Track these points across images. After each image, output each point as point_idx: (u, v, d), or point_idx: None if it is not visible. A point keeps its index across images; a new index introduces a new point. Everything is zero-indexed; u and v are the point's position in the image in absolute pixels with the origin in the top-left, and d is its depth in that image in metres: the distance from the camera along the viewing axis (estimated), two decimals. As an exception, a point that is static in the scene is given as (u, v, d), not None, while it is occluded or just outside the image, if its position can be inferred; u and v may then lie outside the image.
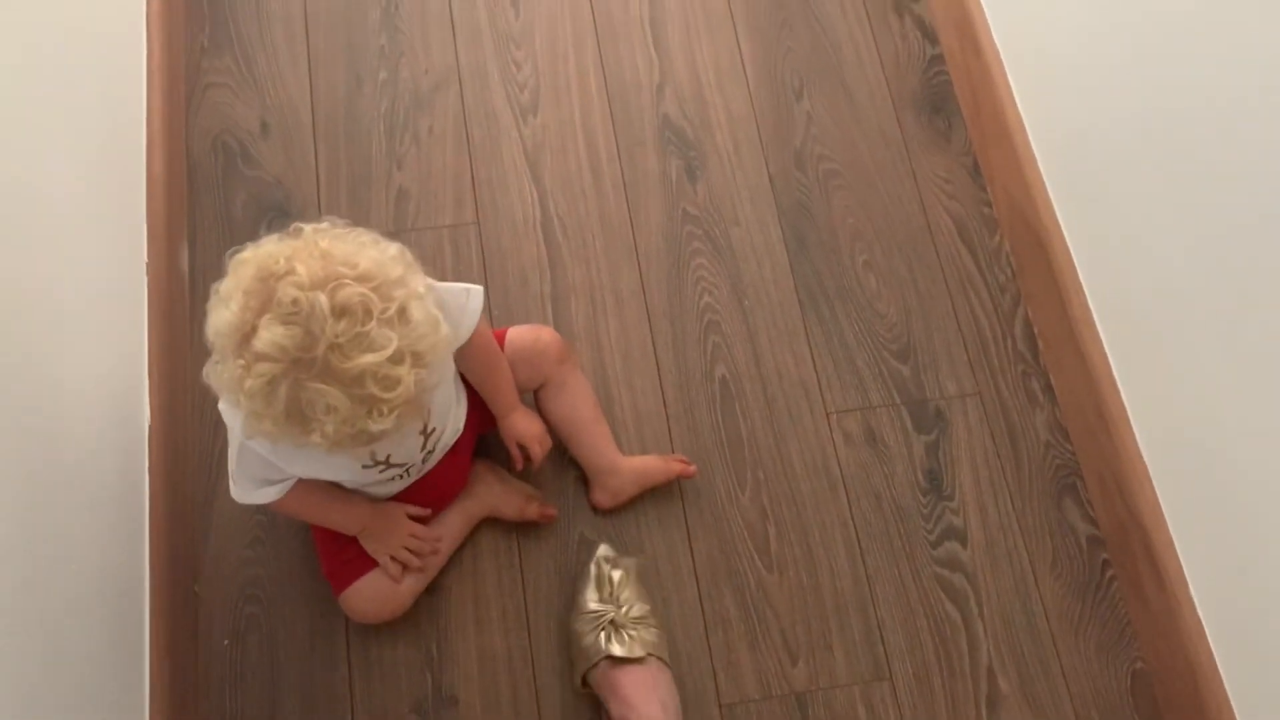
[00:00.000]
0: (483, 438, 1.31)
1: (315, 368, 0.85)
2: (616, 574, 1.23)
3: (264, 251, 0.89)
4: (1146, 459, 1.29)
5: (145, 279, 1.28)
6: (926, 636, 1.29)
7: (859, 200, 1.53)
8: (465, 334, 1.13)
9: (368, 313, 0.86)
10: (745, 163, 1.54)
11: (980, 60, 1.52)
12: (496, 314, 1.42)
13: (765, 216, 1.50)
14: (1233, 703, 1.17)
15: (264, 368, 0.85)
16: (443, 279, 1.36)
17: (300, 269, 0.86)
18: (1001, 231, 1.52)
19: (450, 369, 1.13)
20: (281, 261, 0.87)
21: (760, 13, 1.64)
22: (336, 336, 0.85)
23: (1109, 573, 1.34)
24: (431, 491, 1.21)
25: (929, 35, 1.64)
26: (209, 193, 1.47)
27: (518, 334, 1.26)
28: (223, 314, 0.87)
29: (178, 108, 1.48)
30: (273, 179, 1.48)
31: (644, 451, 1.35)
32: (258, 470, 1.07)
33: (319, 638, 1.25)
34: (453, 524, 1.26)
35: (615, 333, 1.42)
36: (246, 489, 1.09)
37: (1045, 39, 1.41)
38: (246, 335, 0.86)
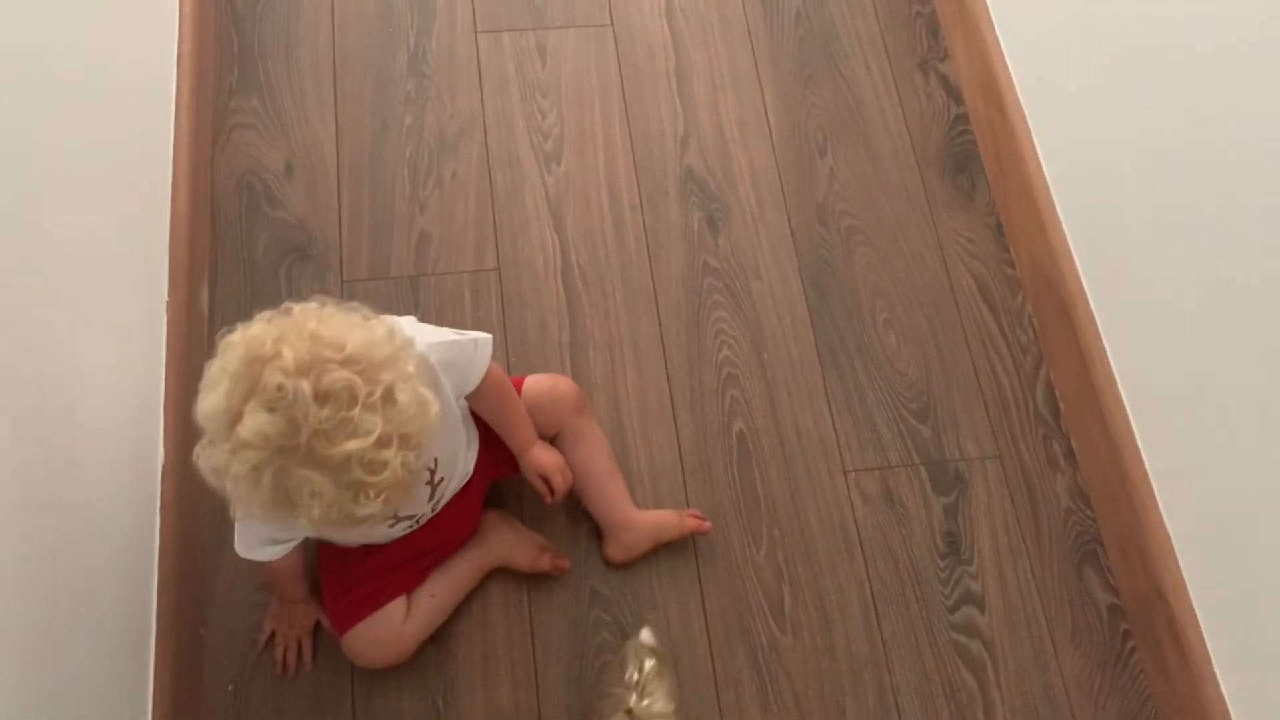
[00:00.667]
0: (496, 486, 1.30)
1: (299, 454, 0.84)
2: (650, 663, 1.17)
3: (252, 334, 0.88)
4: (1169, 528, 1.26)
5: (165, 318, 1.28)
6: (942, 703, 1.27)
7: (881, 257, 1.52)
8: (474, 382, 1.14)
9: (353, 398, 0.85)
10: (767, 216, 1.54)
11: (1005, 120, 1.52)
12: (514, 361, 1.41)
13: (786, 270, 1.50)
14: (1257, 784, 1.14)
15: (248, 455, 0.84)
16: (462, 325, 1.37)
17: (286, 353, 0.85)
18: (1024, 292, 1.51)
19: (456, 414, 1.12)
20: (269, 345, 0.86)
21: (785, 69, 1.64)
22: (320, 423, 0.84)
23: (1130, 644, 1.31)
24: (440, 533, 1.20)
25: (953, 94, 1.64)
26: (231, 233, 1.47)
27: (534, 382, 1.26)
28: (210, 398, 0.87)
29: (204, 147, 1.48)
30: (296, 220, 1.48)
31: (658, 505, 1.34)
32: (263, 532, 1.07)
33: (324, 686, 1.23)
34: (462, 571, 1.24)
35: (633, 384, 1.41)
36: (250, 545, 1.09)
37: (1071, 102, 1.41)
38: (233, 421, 0.85)
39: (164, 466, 1.21)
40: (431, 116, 1.57)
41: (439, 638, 1.25)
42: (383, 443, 0.86)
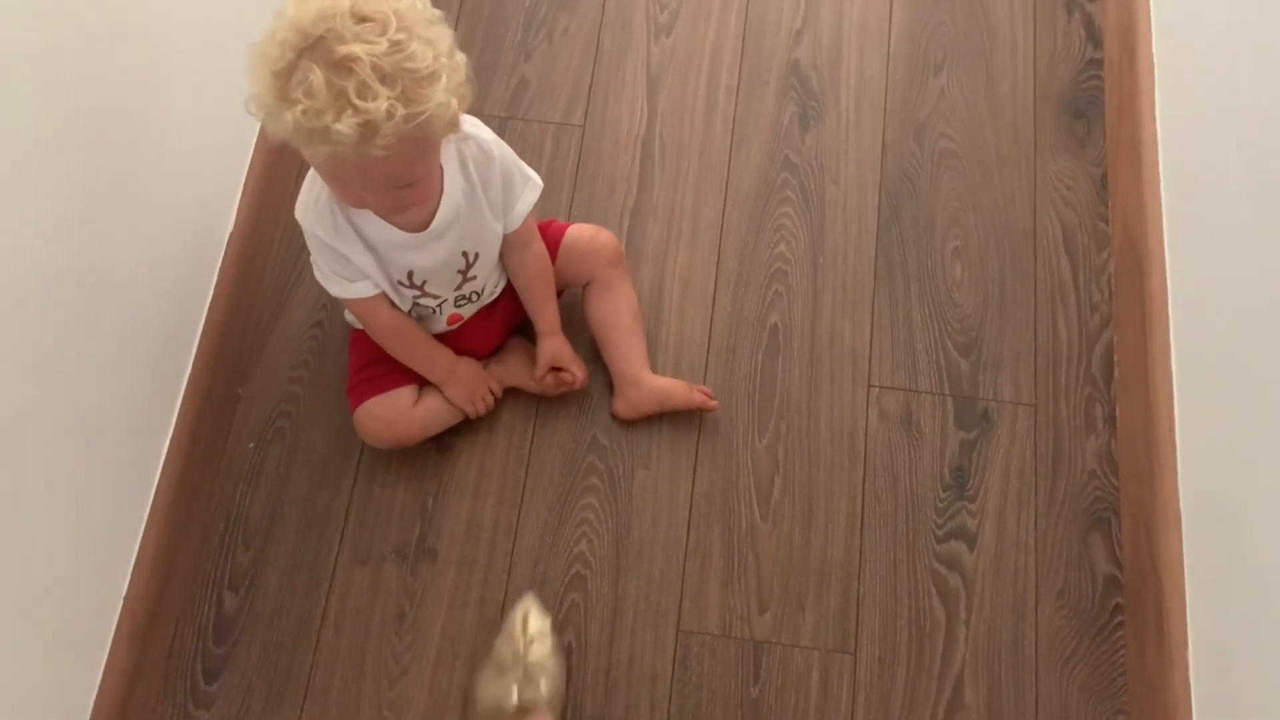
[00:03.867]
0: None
1: (311, 42, 0.93)
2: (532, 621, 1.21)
3: None
4: (1183, 511, 1.21)
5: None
6: (904, 625, 1.27)
7: (968, 186, 1.48)
8: (515, 219, 1.20)
9: (382, 30, 0.93)
10: (863, 124, 1.51)
11: (1133, 70, 1.44)
12: (576, 215, 1.46)
13: (866, 181, 1.48)
14: (1199, 777, 1.10)
15: (281, 33, 0.94)
16: (537, 171, 1.43)
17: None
18: (1111, 250, 1.44)
19: (486, 211, 1.18)
20: None
21: (922, -19, 1.59)
22: (343, 29, 0.93)
23: (1118, 619, 1.27)
24: (462, 342, 1.29)
25: (1094, 37, 1.56)
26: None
27: (577, 229, 1.32)
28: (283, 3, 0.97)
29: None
30: (411, 46, 1.56)
31: (676, 375, 1.37)
32: (333, 262, 1.16)
33: (332, 463, 1.34)
34: None
35: (683, 260, 1.44)
36: (335, 282, 1.18)
37: (1201, 65, 1.32)
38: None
39: (231, 233, 1.32)
40: (560, -29, 1.61)
41: (443, 445, 1.33)
42: (384, 79, 0.93)
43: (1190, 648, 1.15)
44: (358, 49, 0.92)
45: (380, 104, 0.93)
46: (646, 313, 1.40)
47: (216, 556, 1.29)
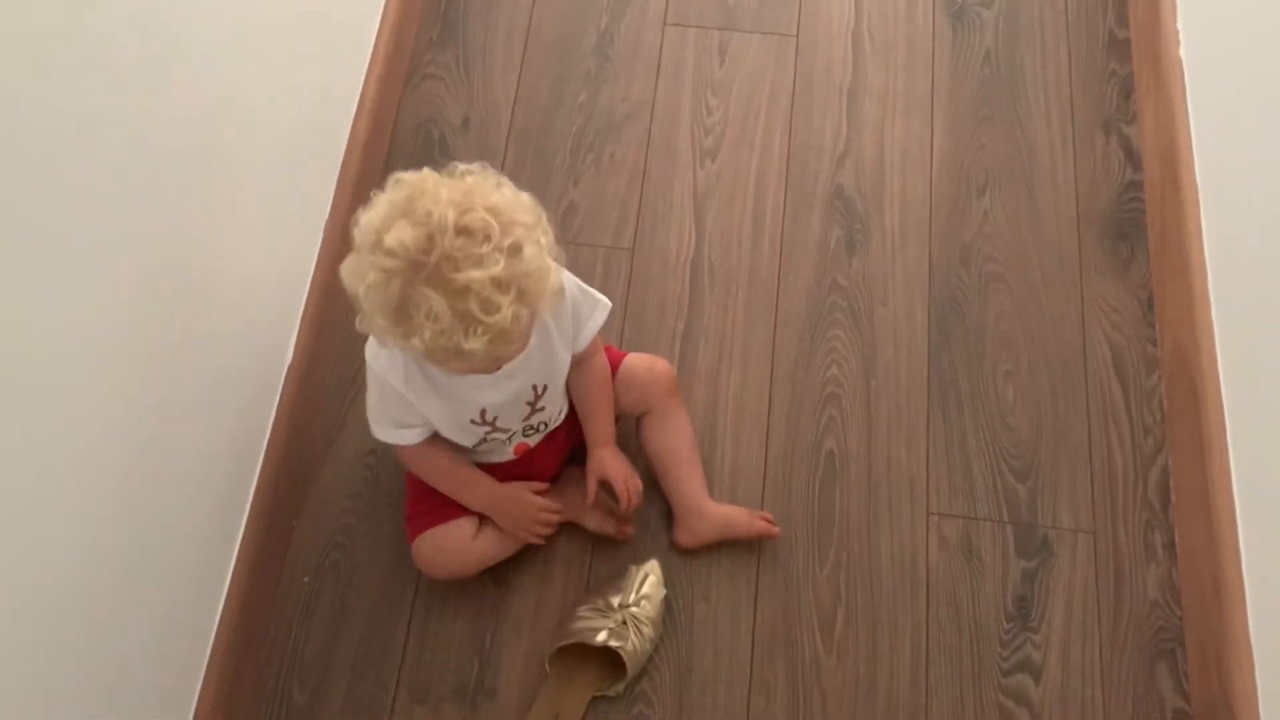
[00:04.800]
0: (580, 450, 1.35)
1: (426, 271, 0.94)
2: (651, 579, 1.27)
3: (420, 175, 1.00)
4: (1254, 643, 1.19)
5: (321, 234, 1.40)
6: (973, 763, 1.24)
7: (1016, 308, 1.49)
8: (582, 342, 1.21)
9: (487, 237, 0.95)
10: (908, 246, 1.53)
11: (1177, 194, 1.46)
12: (628, 337, 1.46)
13: (915, 303, 1.49)
14: None
15: (385, 261, 0.94)
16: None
17: (443, 192, 0.97)
18: (1161, 373, 1.45)
19: (558, 344, 1.18)
20: (430, 184, 0.98)
21: (962, 105, 1.63)
22: (452, 248, 0.94)
23: (1190, 754, 1.25)
24: (521, 471, 1.28)
25: (1133, 159, 1.59)
26: (403, 170, 1.57)
27: (634, 359, 1.32)
28: (368, 215, 0.98)
29: (394, 88, 1.60)
30: (460, 171, 1.58)
31: (733, 503, 1.36)
32: (394, 409, 1.16)
33: (389, 598, 1.32)
34: None
35: (735, 383, 1.44)
36: (386, 428, 1.19)
37: (1248, 187, 1.34)
38: (381, 233, 0.96)
39: (290, 366, 1.32)
40: (605, 97, 1.64)
41: (499, 579, 1.31)
42: (501, 287, 0.94)
43: (1271, 789, 1.13)
44: (476, 274, 0.93)
45: (506, 314, 0.95)
46: (700, 436, 1.39)
47: (273, 699, 1.26)
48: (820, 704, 1.27)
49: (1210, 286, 1.38)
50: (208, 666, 1.17)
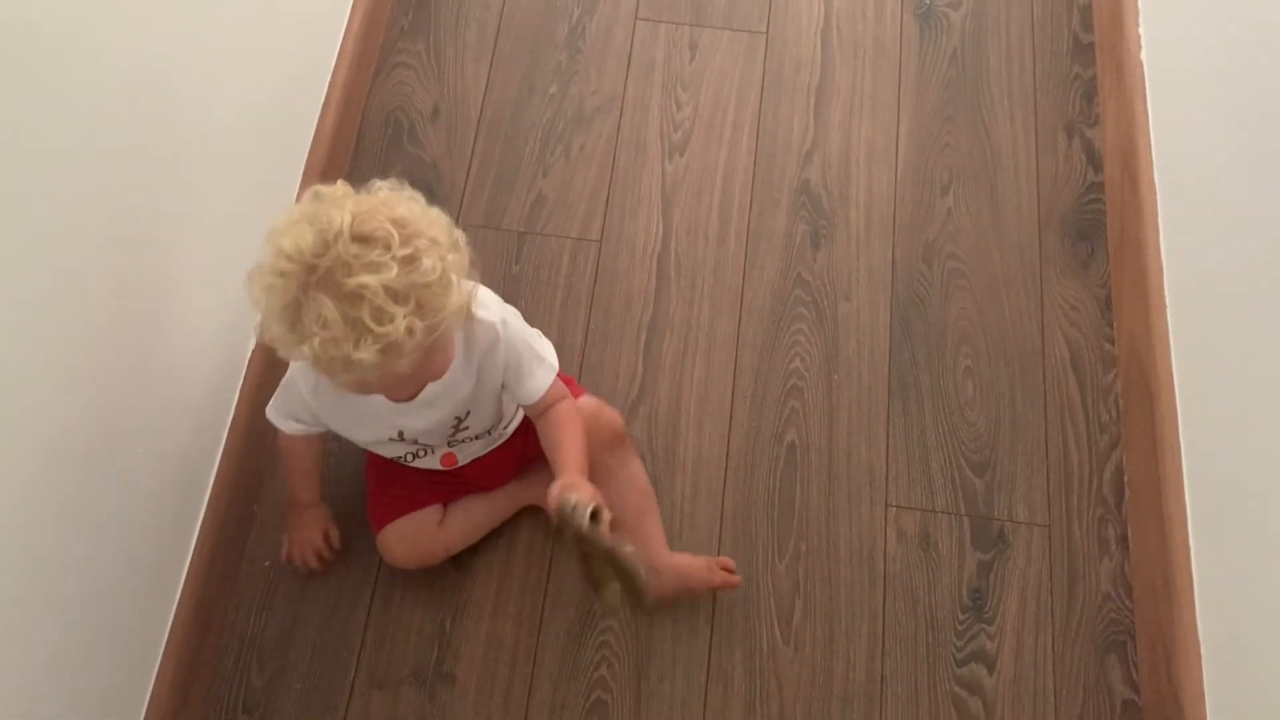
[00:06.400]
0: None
1: (318, 275, 0.92)
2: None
3: (338, 186, 0.99)
4: (1201, 638, 1.22)
5: (288, 221, 1.39)
6: (926, 752, 1.26)
7: (977, 306, 1.51)
8: (526, 398, 1.16)
9: (386, 246, 0.93)
10: (872, 243, 1.55)
11: (1135, 195, 1.49)
12: (594, 328, 1.47)
13: (878, 299, 1.51)
14: None
15: (280, 263, 0.93)
16: (554, 288, 1.44)
17: (350, 202, 0.95)
18: (1118, 371, 1.47)
19: (495, 390, 1.15)
20: (340, 194, 0.97)
21: (927, 105, 1.64)
22: (347, 255, 0.92)
23: (1138, 744, 1.27)
24: (475, 476, 1.28)
25: (1094, 161, 1.61)
26: (370, 160, 1.58)
27: (583, 404, 1.25)
28: (276, 220, 0.97)
29: (364, 76, 1.60)
30: (430, 161, 1.58)
31: (694, 495, 1.37)
32: (296, 409, 1.16)
33: (349, 582, 1.32)
34: (498, 499, 1.31)
35: (699, 375, 1.45)
36: (277, 412, 1.18)
37: (1204, 189, 1.37)
38: (281, 239, 0.94)
39: (253, 352, 1.32)
40: (575, 89, 1.64)
41: (460, 564, 1.32)
42: (396, 297, 0.92)
43: (1215, 779, 1.15)
44: (368, 279, 0.91)
45: (399, 324, 0.92)
46: (665, 427, 1.41)
47: (231, 680, 1.26)
48: (777, 693, 1.28)
49: (1166, 287, 1.40)
50: (165, 649, 1.17)
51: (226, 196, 1.24)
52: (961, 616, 1.33)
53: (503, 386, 1.16)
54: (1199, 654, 1.21)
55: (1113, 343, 1.49)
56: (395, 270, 0.92)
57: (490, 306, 1.12)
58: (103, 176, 0.98)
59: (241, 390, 1.30)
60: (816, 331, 1.48)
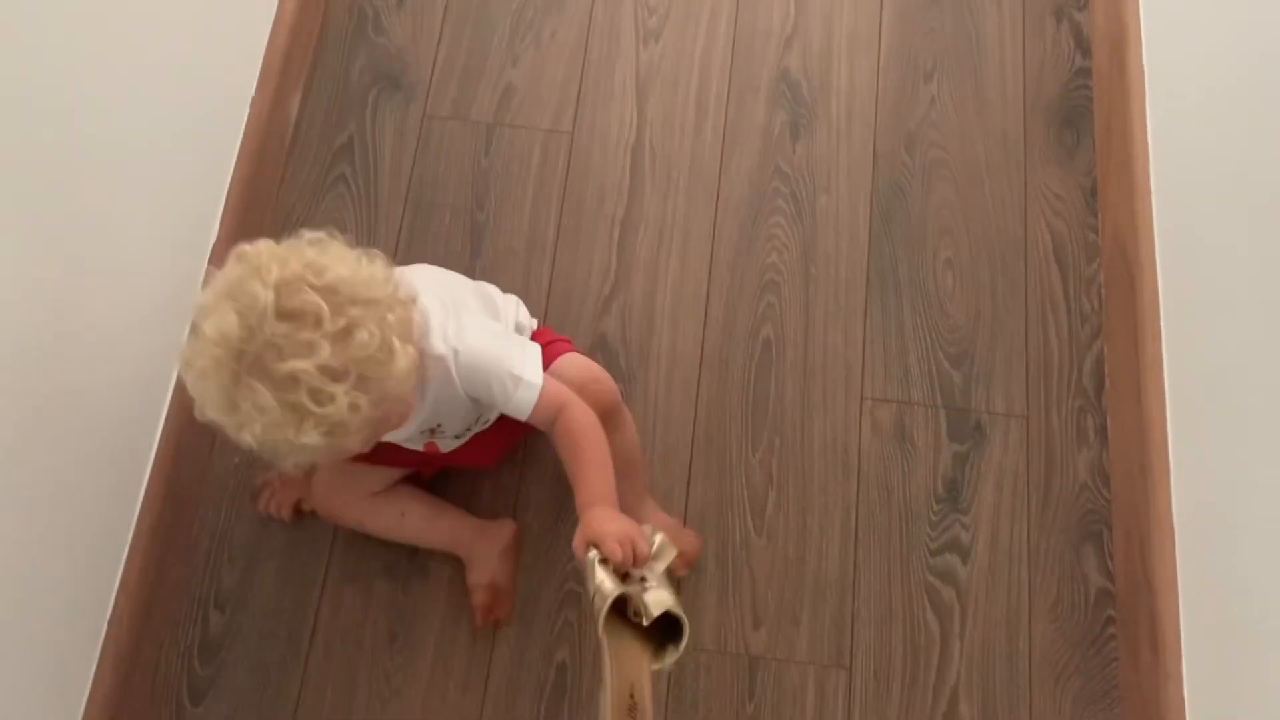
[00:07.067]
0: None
1: (248, 361, 0.86)
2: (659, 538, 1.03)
3: (261, 247, 0.91)
4: (1176, 524, 1.21)
5: (243, 125, 1.35)
6: (898, 640, 1.26)
7: (960, 196, 1.47)
8: (515, 412, 1.07)
9: (317, 321, 0.87)
10: (853, 133, 1.50)
11: (1124, 82, 1.44)
12: (565, 225, 1.44)
13: (858, 191, 1.47)
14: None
15: (208, 349, 0.87)
16: (525, 182, 1.40)
17: (274, 268, 0.88)
18: (1101, 260, 1.44)
19: (463, 402, 1.08)
20: (265, 258, 0.89)
21: (912, -12, 1.59)
22: (274, 336, 0.86)
23: (1110, 630, 1.28)
24: (462, 459, 1.21)
25: (1082, 46, 1.56)
26: (335, 50, 1.53)
27: (570, 362, 1.16)
28: (203, 295, 0.90)
29: (326, -36, 1.54)
30: (395, 50, 1.53)
31: (668, 391, 1.36)
32: None
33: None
34: (441, 528, 1.24)
35: (674, 270, 1.42)
36: None
37: (1193, 74, 1.32)
38: (205, 320, 0.88)
39: (213, 248, 1.29)
40: (547, -26, 1.58)
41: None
42: (333, 375, 0.87)
43: (1184, 660, 1.16)
44: (299, 365, 0.85)
45: (341, 404, 0.87)
46: (638, 323, 1.39)
47: (202, 575, 1.26)
48: (749, 583, 1.28)
49: (1152, 175, 1.37)
50: (130, 547, 1.16)
51: (181, 84, 1.20)
52: (936, 507, 1.32)
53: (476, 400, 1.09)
54: (1173, 541, 1.21)
55: (1096, 232, 1.46)
56: (328, 349, 0.86)
57: (437, 338, 1.02)
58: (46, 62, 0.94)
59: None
60: (794, 224, 1.45)
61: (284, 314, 0.87)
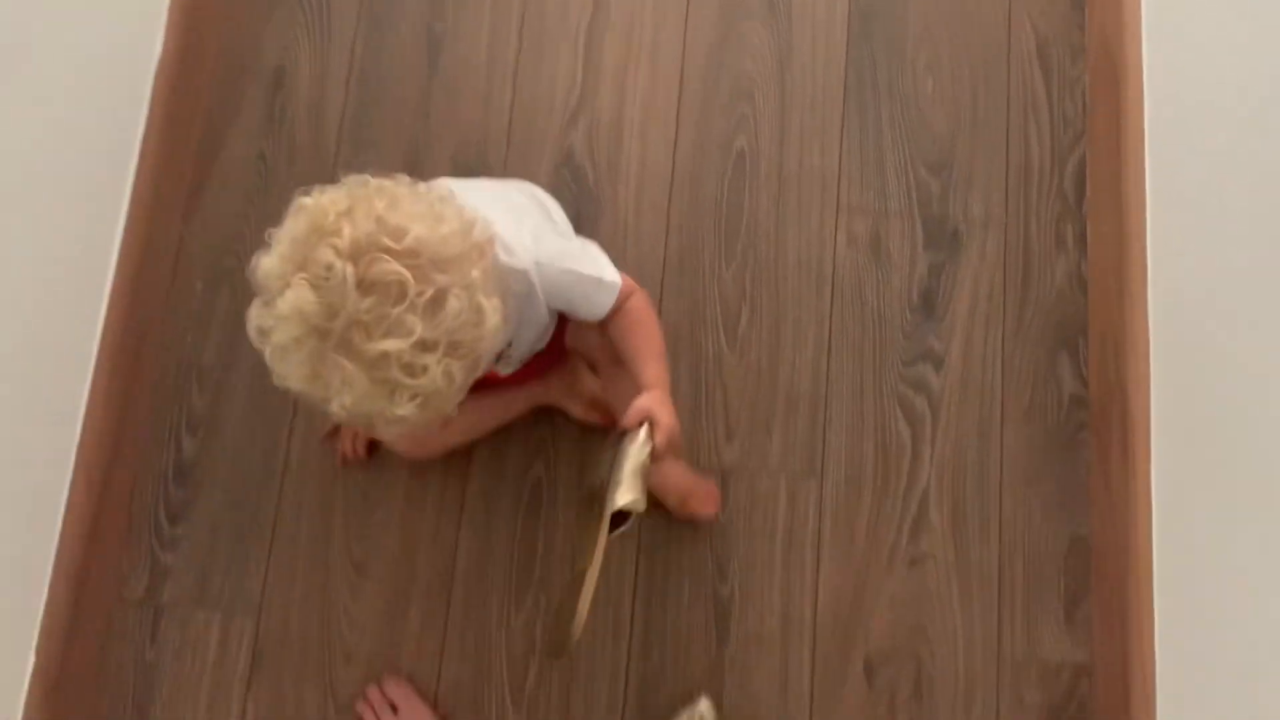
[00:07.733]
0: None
1: (334, 339, 0.80)
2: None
3: (323, 200, 0.83)
4: (1151, 330, 1.20)
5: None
6: (870, 448, 1.27)
7: (941, -4, 1.40)
8: (589, 316, 1.05)
9: (401, 294, 0.80)
10: (830, -70, 1.42)
11: None
12: (527, 35, 1.38)
13: (835, -9, 1.40)
14: (1155, 581, 1.13)
15: (287, 327, 0.80)
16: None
17: (346, 230, 0.80)
18: (1086, 62, 1.38)
19: (544, 319, 1.05)
20: (332, 217, 0.81)
21: None
22: (359, 314, 0.79)
23: (1081, 434, 1.28)
24: (513, 376, 1.16)
25: None
26: None
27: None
28: (267, 260, 0.83)
29: None
30: None
31: (637, 210, 1.32)
32: None
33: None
34: (515, 398, 1.22)
35: (644, 80, 1.37)
36: None
37: None
38: (282, 288, 0.81)
39: (161, 52, 1.23)
40: None
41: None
42: (426, 347, 0.81)
43: (1154, 463, 1.17)
44: (390, 345, 0.79)
45: (435, 373, 0.81)
46: (607, 137, 1.34)
47: (172, 402, 1.26)
48: (722, 397, 1.28)
49: (1142, -35, 1.30)
50: (94, 376, 1.15)
51: None
52: (910, 317, 1.31)
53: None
54: (1148, 346, 1.20)
55: (1083, 30, 1.39)
56: (420, 326, 0.80)
57: (517, 251, 0.97)
58: None
59: (150, 103, 1.22)
60: (769, 28, 1.39)
61: (365, 286, 0.80)
